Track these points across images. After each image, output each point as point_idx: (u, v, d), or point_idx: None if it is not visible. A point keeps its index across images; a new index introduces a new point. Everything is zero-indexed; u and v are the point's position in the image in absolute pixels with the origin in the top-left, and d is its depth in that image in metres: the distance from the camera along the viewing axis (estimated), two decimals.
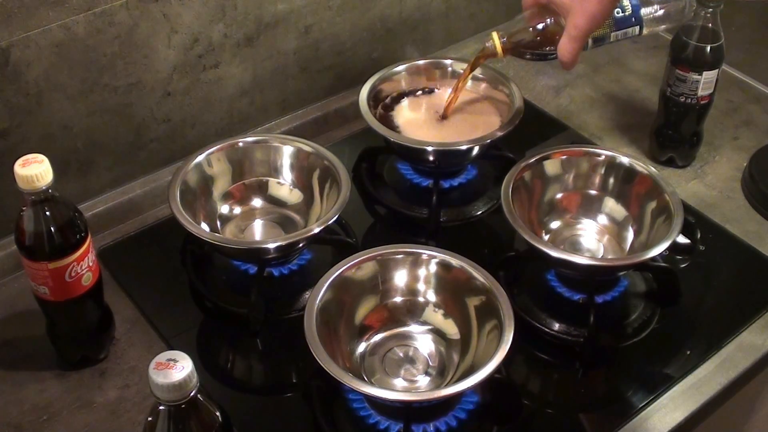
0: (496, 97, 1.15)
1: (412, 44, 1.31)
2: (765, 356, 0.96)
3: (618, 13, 0.93)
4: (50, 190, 0.81)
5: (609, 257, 1.01)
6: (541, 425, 0.90)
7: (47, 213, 0.82)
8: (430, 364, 0.90)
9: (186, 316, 0.99)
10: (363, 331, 0.91)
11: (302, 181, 1.05)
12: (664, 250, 0.93)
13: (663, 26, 0.96)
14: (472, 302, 0.90)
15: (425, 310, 0.93)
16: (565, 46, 0.89)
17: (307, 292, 0.98)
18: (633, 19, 0.94)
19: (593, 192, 1.05)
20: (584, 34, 0.89)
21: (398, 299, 0.93)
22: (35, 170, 0.79)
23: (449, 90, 1.15)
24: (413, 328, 0.93)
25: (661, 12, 0.95)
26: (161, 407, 0.69)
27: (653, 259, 0.93)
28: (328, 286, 0.88)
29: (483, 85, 1.16)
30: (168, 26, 1.03)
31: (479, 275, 0.90)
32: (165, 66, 1.06)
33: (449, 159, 1.11)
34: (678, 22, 0.98)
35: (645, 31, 0.96)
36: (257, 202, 1.06)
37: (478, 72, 1.17)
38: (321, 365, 0.81)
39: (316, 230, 0.95)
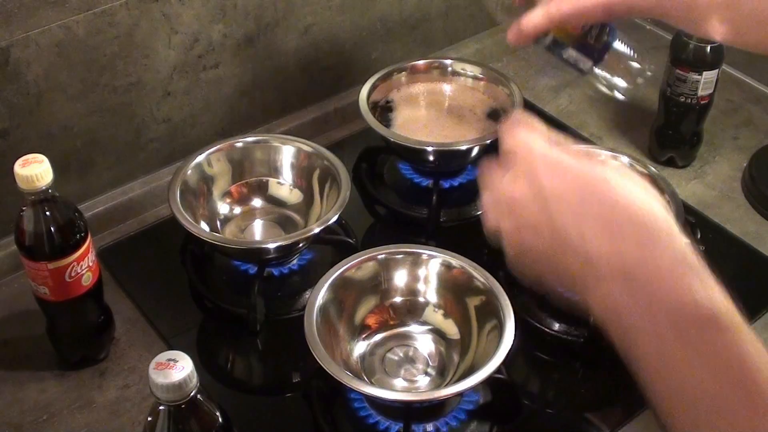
0: (496, 97, 1.15)
1: (413, 44, 1.31)
2: None
3: (589, 38, 0.86)
4: (50, 190, 0.81)
5: None
6: (541, 425, 0.89)
7: (47, 213, 0.82)
8: (430, 364, 0.90)
9: (186, 316, 0.99)
10: (363, 331, 0.91)
11: (302, 181, 1.05)
12: None
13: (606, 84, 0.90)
14: (472, 302, 0.90)
15: (425, 310, 0.93)
16: (530, 19, 0.80)
17: (307, 292, 0.98)
18: (595, 54, 0.86)
19: None
20: (558, 17, 0.80)
21: (398, 299, 0.93)
22: (35, 170, 0.79)
23: (446, 85, 1.16)
24: (413, 328, 0.93)
25: (615, 77, 0.88)
26: (161, 407, 0.69)
27: None
28: (328, 286, 0.88)
29: (483, 85, 1.17)
30: (168, 26, 1.03)
31: (479, 275, 0.90)
32: (165, 66, 1.06)
33: (449, 159, 1.11)
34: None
35: (591, 72, 0.89)
36: (257, 202, 1.06)
37: (478, 72, 1.17)
38: (321, 365, 0.81)
39: (316, 230, 0.95)
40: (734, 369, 0.49)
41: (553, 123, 1.27)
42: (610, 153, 1.05)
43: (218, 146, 1.04)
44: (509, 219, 0.59)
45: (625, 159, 1.04)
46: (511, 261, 0.60)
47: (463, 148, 1.07)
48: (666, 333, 0.50)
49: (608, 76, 0.88)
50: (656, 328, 0.50)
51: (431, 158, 1.08)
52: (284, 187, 1.06)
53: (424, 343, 0.92)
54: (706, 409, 0.49)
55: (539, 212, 0.56)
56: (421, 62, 1.19)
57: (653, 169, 1.02)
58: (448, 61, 1.19)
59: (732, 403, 0.48)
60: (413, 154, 1.11)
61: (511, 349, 0.82)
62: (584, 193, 0.55)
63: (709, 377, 0.49)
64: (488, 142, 1.06)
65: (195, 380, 0.68)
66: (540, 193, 0.57)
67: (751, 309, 1.00)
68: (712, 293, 0.50)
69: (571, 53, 0.87)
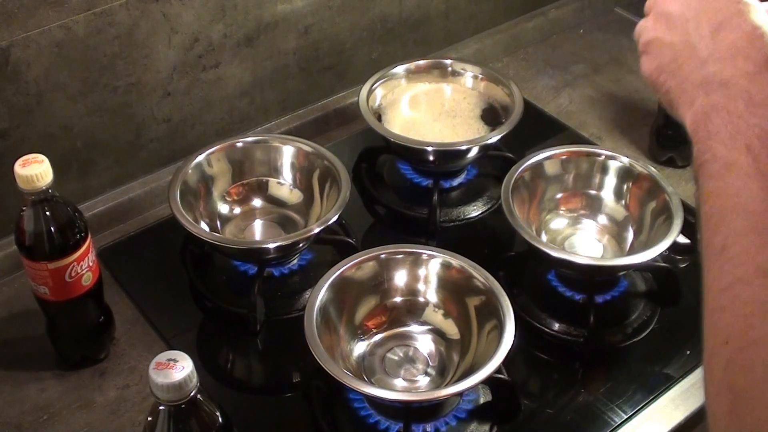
0: (496, 97, 1.15)
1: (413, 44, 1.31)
2: None
3: None
4: (50, 190, 0.81)
5: (609, 257, 1.01)
6: (541, 425, 0.89)
7: (47, 213, 0.82)
8: (430, 364, 0.90)
9: (186, 316, 0.99)
10: (363, 331, 0.91)
11: (302, 181, 1.05)
12: (664, 250, 0.93)
13: None
14: (472, 302, 0.90)
15: (425, 310, 0.93)
16: None
17: (307, 292, 0.98)
18: None
19: (593, 192, 1.05)
20: None
21: (398, 299, 0.93)
22: (35, 170, 0.79)
23: (446, 86, 1.16)
24: (413, 328, 0.93)
25: None
26: (161, 407, 0.69)
27: (653, 259, 0.93)
28: (328, 286, 0.88)
29: (483, 85, 1.17)
30: (168, 26, 1.03)
31: (479, 275, 0.90)
32: (165, 66, 1.06)
33: (449, 159, 1.11)
34: None
35: None
36: (257, 202, 1.06)
37: (477, 72, 1.17)
38: (321, 365, 0.81)
39: (316, 230, 0.95)
40: None
41: (553, 123, 1.27)
42: (610, 153, 1.05)
43: (218, 146, 1.04)
44: (653, 20, 0.65)
45: (625, 159, 1.04)
46: (642, 50, 0.67)
47: (463, 148, 1.07)
48: (740, 156, 0.52)
49: None
50: (734, 144, 0.52)
51: (431, 158, 1.08)
52: (284, 187, 1.06)
53: (424, 343, 0.92)
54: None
55: (681, 16, 0.61)
56: (421, 62, 1.19)
57: (653, 169, 1.02)
58: (447, 61, 1.19)
59: None
60: (413, 154, 1.11)
61: (511, 349, 0.82)
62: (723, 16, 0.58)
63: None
64: (488, 142, 1.06)
65: (195, 380, 0.68)
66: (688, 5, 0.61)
67: None
68: None
69: None
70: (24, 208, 0.82)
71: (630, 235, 1.02)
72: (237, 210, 1.05)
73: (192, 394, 0.68)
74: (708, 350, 0.49)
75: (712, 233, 0.51)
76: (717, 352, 0.48)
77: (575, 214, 1.06)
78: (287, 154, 1.06)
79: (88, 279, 0.87)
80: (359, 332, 0.91)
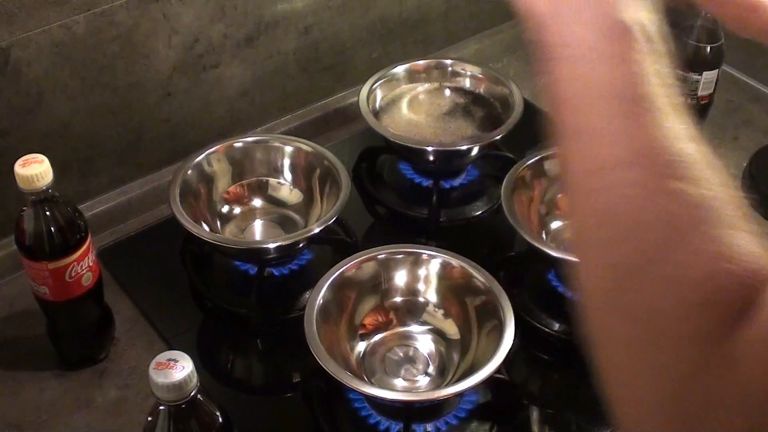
0: (496, 97, 1.15)
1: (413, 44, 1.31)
2: None
3: None
4: (50, 190, 0.81)
5: None
6: (541, 425, 0.90)
7: (47, 213, 0.82)
8: (430, 364, 0.90)
9: (186, 316, 0.99)
10: (363, 331, 0.91)
11: (302, 181, 1.05)
12: None
13: None
14: (472, 302, 0.90)
15: (425, 310, 0.93)
16: None
17: (307, 292, 0.98)
18: None
19: None
20: None
21: (398, 299, 0.93)
22: (35, 170, 0.79)
23: (446, 86, 1.16)
24: (413, 328, 0.93)
25: None
26: (161, 407, 0.69)
27: None
28: (328, 286, 0.88)
29: (483, 85, 1.17)
30: (168, 26, 1.03)
31: (479, 275, 0.90)
32: (165, 66, 1.06)
33: (449, 159, 1.11)
34: None
35: None
36: (257, 202, 1.06)
37: (478, 72, 1.17)
38: (321, 365, 0.81)
39: (316, 230, 0.95)
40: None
41: None
42: None
43: (218, 146, 1.04)
44: None
45: None
46: None
47: (463, 148, 1.07)
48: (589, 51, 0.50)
49: None
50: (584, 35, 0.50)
51: (431, 158, 1.08)
52: (284, 187, 1.06)
53: (424, 343, 0.92)
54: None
55: None
56: (420, 62, 1.19)
57: None
58: (448, 62, 1.19)
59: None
60: (413, 154, 1.11)
61: (511, 349, 0.83)
62: None
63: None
64: (488, 142, 1.06)
65: (195, 380, 0.68)
66: None
67: None
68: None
69: None
70: (24, 208, 0.82)
71: None
72: (237, 210, 1.05)
73: (192, 394, 0.68)
74: (579, 231, 0.49)
75: (573, 116, 0.50)
76: (591, 233, 0.48)
77: None
78: (287, 154, 1.06)
79: (88, 279, 0.87)
80: (359, 332, 0.91)
